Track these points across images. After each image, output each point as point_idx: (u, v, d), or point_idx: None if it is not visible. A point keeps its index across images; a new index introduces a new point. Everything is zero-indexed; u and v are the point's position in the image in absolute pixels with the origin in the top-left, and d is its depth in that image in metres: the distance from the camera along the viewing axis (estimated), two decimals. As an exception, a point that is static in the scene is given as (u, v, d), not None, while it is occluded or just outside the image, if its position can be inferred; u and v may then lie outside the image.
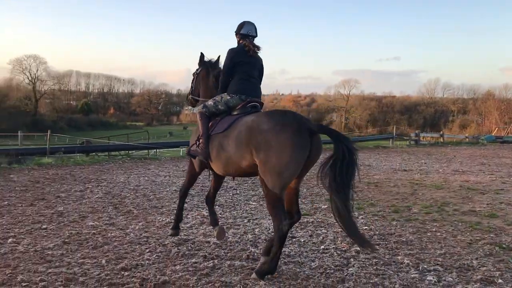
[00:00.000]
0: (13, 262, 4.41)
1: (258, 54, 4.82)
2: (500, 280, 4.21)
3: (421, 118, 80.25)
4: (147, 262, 4.54)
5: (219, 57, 5.11)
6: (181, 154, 18.68)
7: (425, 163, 14.08)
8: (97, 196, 7.81)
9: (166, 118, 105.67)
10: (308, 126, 3.91)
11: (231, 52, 4.70)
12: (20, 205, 6.97)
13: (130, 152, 16.93)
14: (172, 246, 5.05)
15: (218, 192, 8.34)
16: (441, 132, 30.47)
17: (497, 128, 50.92)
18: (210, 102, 4.72)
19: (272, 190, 3.86)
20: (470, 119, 70.85)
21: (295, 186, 4.24)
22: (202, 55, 5.24)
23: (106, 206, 7.07)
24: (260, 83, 4.88)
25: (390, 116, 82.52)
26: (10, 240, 5.13)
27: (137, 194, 8.08)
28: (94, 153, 14.97)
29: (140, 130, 49.86)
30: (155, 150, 18.85)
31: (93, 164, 12.17)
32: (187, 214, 6.62)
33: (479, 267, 4.56)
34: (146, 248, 4.98)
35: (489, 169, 12.73)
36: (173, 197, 7.82)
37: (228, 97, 4.61)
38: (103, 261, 4.52)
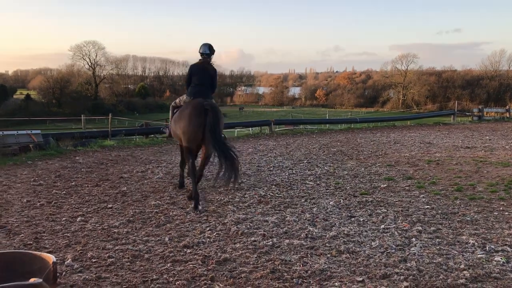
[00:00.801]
0: (83, 240, 4.68)
1: (211, 66, 6.82)
2: None
3: (485, 93, 76.21)
4: (208, 240, 4.66)
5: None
6: (235, 134, 18.85)
7: (489, 140, 13.40)
8: (157, 176, 8.08)
9: (220, 99, 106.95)
10: (202, 107, 6.03)
11: (190, 67, 6.91)
12: (86, 185, 7.34)
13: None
14: (232, 225, 5.15)
15: (275, 172, 8.40)
16: (507, 107, 28.70)
17: None
18: (177, 100, 7.06)
19: (184, 144, 6.28)
20: (540, 92, 66.46)
21: (206, 154, 6.36)
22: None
23: (167, 186, 7.30)
24: (211, 87, 6.78)
25: (450, 91, 79.04)
26: (79, 218, 5.43)
27: (195, 174, 8.26)
28: (153, 135, 15.45)
29: (195, 111, 50.97)
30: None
31: (152, 146, 12.56)
32: (245, 194, 6.71)
33: (553, 248, 4.32)
34: (207, 227, 5.11)
35: (562, 145, 11.93)
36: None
37: (185, 97, 6.74)
38: (166, 239, 4.68)
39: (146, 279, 3.71)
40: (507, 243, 4.50)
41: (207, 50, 6.78)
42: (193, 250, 4.37)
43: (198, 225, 5.19)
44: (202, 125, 5.93)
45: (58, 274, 3.12)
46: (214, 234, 4.84)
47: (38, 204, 6.12)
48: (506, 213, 5.56)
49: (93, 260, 4.10)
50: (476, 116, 23.72)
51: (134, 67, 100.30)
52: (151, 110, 77.10)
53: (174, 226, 5.14)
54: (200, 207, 5.87)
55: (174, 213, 5.69)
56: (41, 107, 64.00)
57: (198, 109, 6.05)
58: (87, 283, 3.64)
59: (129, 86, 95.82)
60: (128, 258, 4.16)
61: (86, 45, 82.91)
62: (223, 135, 6.51)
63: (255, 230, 4.96)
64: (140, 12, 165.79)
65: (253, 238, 4.69)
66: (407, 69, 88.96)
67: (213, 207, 5.98)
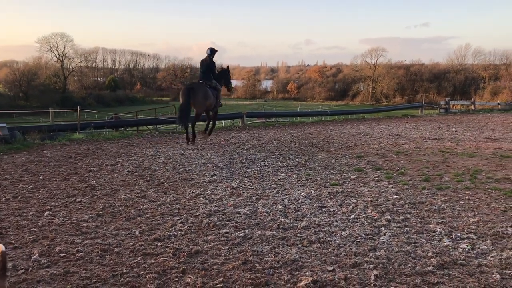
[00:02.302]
0: (50, 234, 4.56)
1: (211, 60, 11.34)
2: (536, 248, 4.12)
3: (451, 86, 78.08)
4: (180, 232, 4.62)
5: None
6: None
7: (455, 131, 13.77)
8: (128, 170, 7.96)
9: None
10: (188, 87, 10.85)
11: (200, 61, 11.68)
12: (54, 179, 7.16)
13: (158, 126, 17.13)
14: (203, 217, 5.12)
15: (247, 164, 8.41)
16: (472, 100, 29.52)
17: (531, 94, 49.18)
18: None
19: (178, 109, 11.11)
20: (502, 85, 68.63)
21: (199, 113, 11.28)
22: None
23: (137, 179, 7.20)
24: (211, 72, 11.33)
25: (418, 84, 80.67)
26: (46, 213, 5.29)
27: (166, 167, 8.19)
28: (123, 128, 15.20)
29: (167, 104, 50.18)
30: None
31: (122, 139, 12.37)
32: (217, 186, 6.69)
33: (515, 235, 4.47)
34: (178, 219, 5.07)
35: (524, 136, 12.36)
36: (202, 170, 7.90)
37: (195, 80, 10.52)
38: (137, 232, 4.63)
39: (116, 273, 3.65)
40: (472, 230, 4.64)
41: (209, 51, 11.36)
42: (164, 243, 4.33)
43: (169, 218, 5.14)
44: (186, 99, 10.62)
45: (7, 265, 3.01)
46: (186, 227, 4.81)
47: (3, 199, 5.93)
48: (471, 202, 5.72)
49: (61, 255, 4.01)
50: (443, 109, 24.33)
51: (104, 59, 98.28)
52: (121, 103, 75.80)
53: (145, 220, 5.08)
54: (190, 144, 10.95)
55: (144, 206, 5.62)
56: (7, 100, 61.95)
57: (183, 90, 11.00)
58: (54, 278, 3.56)
59: (99, 79, 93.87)
60: (98, 252, 4.09)
61: (54, 37, 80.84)
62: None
63: (227, 222, 4.95)
64: (109, 3, 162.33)
65: (225, 230, 4.68)
66: (376, 62, 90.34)
67: (185, 200, 5.94)
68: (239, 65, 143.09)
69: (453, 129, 14.58)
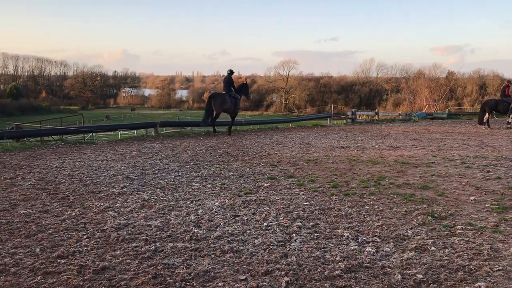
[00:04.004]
0: None
1: (230, 78, 16.26)
2: (432, 248, 4.44)
3: (357, 97, 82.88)
4: (85, 248, 4.36)
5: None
6: (119, 137, 18.09)
7: (361, 140, 14.55)
8: (29, 183, 7.40)
9: (102, 101, 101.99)
10: (211, 96, 16.24)
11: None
12: None
13: (64, 136, 16.19)
14: (112, 231, 4.89)
15: (160, 175, 8.21)
16: (376, 110, 31.54)
17: (427, 105, 53.64)
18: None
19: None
20: (403, 97, 74.11)
21: (218, 112, 16.08)
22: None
23: (40, 193, 6.72)
24: (229, 87, 16.07)
25: (327, 96, 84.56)
26: None
27: (72, 179, 7.74)
28: (25, 139, 14.17)
29: (74, 114, 47.68)
30: (91, 134, 18.15)
31: (24, 150, 11.51)
32: (127, 198, 6.43)
33: (414, 236, 4.79)
34: (84, 235, 4.78)
35: (421, 144, 13.37)
36: (112, 182, 7.57)
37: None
38: (37, 250, 4.29)
39: (12, 295, 3.35)
40: (376, 234, 4.89)
41: (229, 71, 16.28)
42: (68, 260, 4.06)
43: (74, 233, 4.84)
44: (209, 103, 15.69)
45: None
46: (92, 242, 4.55)
47: None
48: (376, 206, 6.05)
49: None
50: (350, 119, 25.68)
51: (5, 65, 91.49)
52: (24, 112, 70.76)
53: (47, 236, 4.73)
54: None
55: (47, 221, 5.24)
56: None
57: (209, 97, 16.15)
58: None
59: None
60: (-9, 274, 3.72)
61: None
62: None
63: (137, 236, 4.76)
64: (12, 7, 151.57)
65: (134, 244, 4.50)
66: (288, 74, 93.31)
67: (92, 213, 5.64)
68: (153, 73, 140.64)
69: (359, 138, 15.40)
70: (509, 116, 19.20)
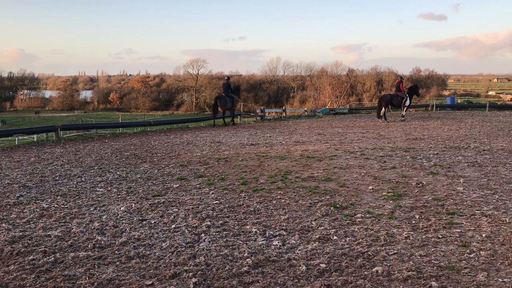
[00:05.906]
0: None
1: (228, 82, 21.15)
2: (335, 237, 4.66)
3: (266, 95, 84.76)
4: (-27, 266, 3.98)
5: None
6: (16, 143, 16.78)
7: (270, 137, 14.87)
8: None
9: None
10: (217, 96, 20.87)
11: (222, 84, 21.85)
12: None
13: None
14: (5, 245, 4.52)
15: (61, 182, 7.75)
16: (284, 107, 32.51)
17: (330, 102, 56.34)
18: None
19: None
20: (308, 94, 77.09)
21: (223, 110, 20.84)
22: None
23: None
24: (227, 90, 20.57)
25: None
26: None
27: (-41, 191, 7.03)
28: None
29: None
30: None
31: None
32: (24, 208, 5.98)
33: (318, 227, 4.99)
34: (-28, 251, 4.37)
35: (325, 138, 13.98)
36: (6, 191, 7.00)
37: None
38: None
39: None
40: (283, 227, 5.02)
41: (226, 78, 22.01)
42: (-48, 281, 3.68)
43: (-40, 251, 4.40)
44: (214, 102, 20.48)
45: None
46: (-18, 258, 4.17)
47: None
48: (283, 200, 6.22)
49: None
50: (259, 116, 26.17)
51: None
52: None
53: None
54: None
55: None
56: None
57: (215, 98, 20.66)
58: None
59: None
60: None
61: None
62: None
63: (34, 248, 4.45)
64: None
65: (31, 257, 4.19)
66: (198, 73, 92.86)
67: (-18, 227, 5.16)
68: (53, 74, 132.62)
69: (268, 134, 15.74)
70: (403, 110, 20.74)
